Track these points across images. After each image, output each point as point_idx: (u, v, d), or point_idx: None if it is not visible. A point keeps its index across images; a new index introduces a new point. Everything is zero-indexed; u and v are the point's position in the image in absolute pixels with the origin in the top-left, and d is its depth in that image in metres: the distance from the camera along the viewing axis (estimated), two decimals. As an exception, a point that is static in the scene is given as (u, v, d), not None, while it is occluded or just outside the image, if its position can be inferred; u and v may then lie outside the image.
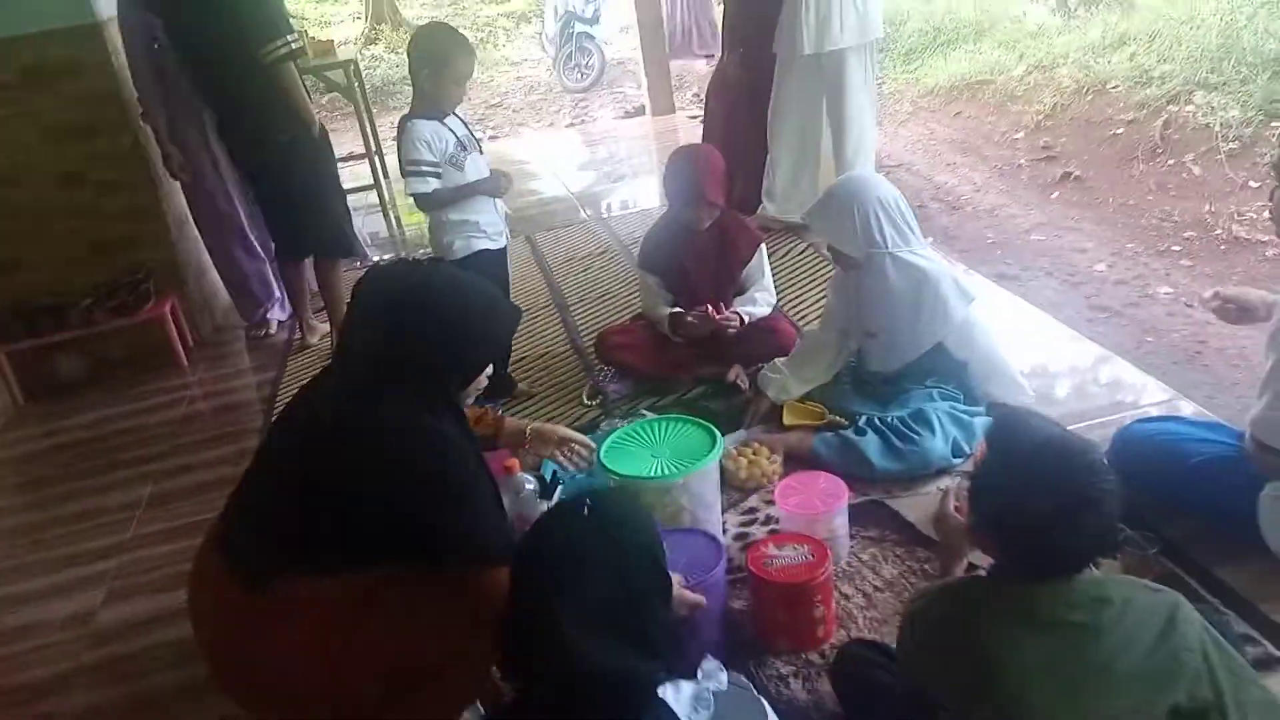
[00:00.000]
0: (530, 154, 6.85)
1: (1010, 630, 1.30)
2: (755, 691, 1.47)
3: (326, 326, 3.92)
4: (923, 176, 5.64)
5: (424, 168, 2.77)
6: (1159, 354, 3.32)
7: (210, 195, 3.89)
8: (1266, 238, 3.96)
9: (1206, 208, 4.36)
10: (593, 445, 2.37)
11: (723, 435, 2.19)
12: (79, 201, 3.83)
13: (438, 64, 2.75)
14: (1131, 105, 5.36)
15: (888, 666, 1.63)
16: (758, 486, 2.49)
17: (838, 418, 2.64)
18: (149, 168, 3.89)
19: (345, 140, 7.27)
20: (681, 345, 3.05)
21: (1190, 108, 5.05)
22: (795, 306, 3.59)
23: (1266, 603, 1.88)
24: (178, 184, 3.92)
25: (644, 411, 2.93)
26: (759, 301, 3.04)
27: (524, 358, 3.44)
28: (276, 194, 3.61)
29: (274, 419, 2.02)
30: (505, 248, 3.01)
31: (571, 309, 3.89)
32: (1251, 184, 4.38)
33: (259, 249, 4.06)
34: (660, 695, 1.19)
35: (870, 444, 2.44)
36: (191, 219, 4.07)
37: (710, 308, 2.91)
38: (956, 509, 1.76)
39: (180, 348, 3.97)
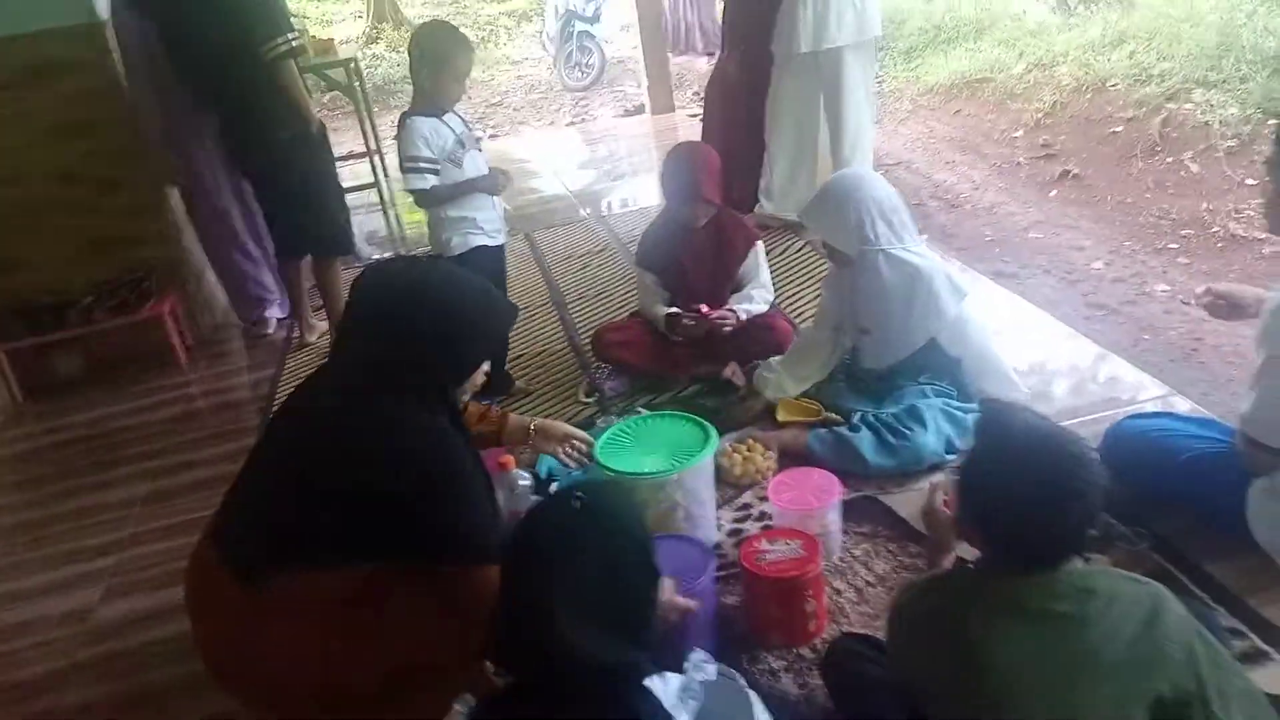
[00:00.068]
0: (530, 152, 6.86)
1: (997, 621, 1.30)
2: (743, 682, 1.47)
3: (325, 325, 3.94)
4: (922, 174, 5.64)
5: (422, 164, 2.79)
6: (1155, 351, 3.33)
7: (209, 195, 3.89)
8: (1264, 235, 3.96)
9: (1204, 205, 4.36)
10: (593, 442, 2.38)
11: (718, 432, 2.20)
12: (79, 200, 3.84)
13: (437, 61, 2.77)
14: (1130, 103, 5.35)
15: (879, 660, 1.63)
16: (752, 483, 2.50)
17: (832, 414, 2.65)
18: (149, 167, 3.89)
19: (346, 139, 7.29)
20: (678, 343, 3.06)
21: (1189, 106, 5.05)
22: (792, 304, 3.59)
23: (1254, 596, 1.90)
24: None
25: (640, 409, 2.94)
26: (756, 299, 3.05)
27: (521, 355, 3.46)
28: (276, 192, 3.63)
29: (271, 415, 2.03)
30: (503, 245, 3.02)
31: (569, 307, 3.91)
32: (1249, 182, 4.38)
33: (258, 249, 4.06)
34: (648, 686, 1.20)
35: (864, 440, 2.44)
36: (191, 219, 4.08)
37: (704, 308, 2.92)
38: (944, 503, 1.77)
39: (180, 346, 3.98)
